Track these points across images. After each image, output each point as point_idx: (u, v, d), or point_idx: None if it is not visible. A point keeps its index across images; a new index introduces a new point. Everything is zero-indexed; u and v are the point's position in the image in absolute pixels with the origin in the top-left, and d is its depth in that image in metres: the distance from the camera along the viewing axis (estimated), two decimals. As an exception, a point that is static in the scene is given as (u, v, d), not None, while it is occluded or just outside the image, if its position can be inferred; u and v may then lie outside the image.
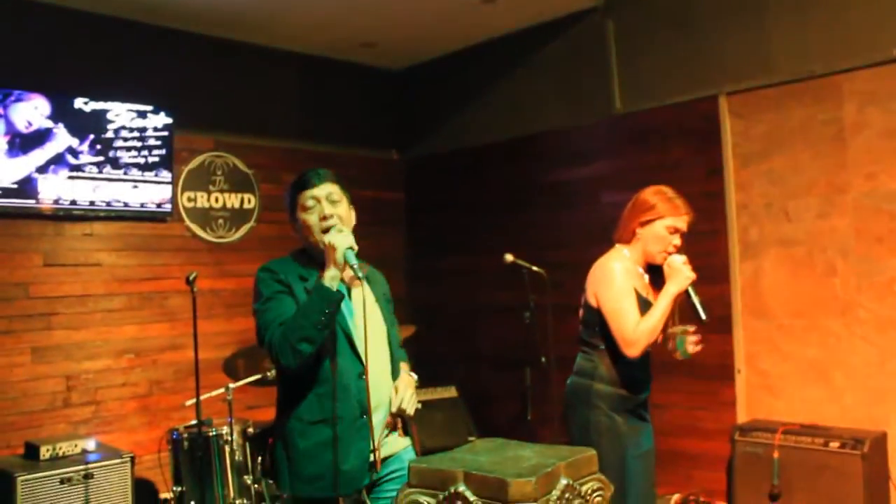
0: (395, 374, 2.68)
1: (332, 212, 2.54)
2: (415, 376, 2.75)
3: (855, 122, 4.41)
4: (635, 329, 2.93)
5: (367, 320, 2.52)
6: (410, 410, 2.60)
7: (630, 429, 3.08)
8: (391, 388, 2.61)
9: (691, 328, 3.08)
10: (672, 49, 5.11)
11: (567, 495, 1.87)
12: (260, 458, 4.65)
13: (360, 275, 2.40)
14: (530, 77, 5.93)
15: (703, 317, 2.96)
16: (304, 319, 2.38)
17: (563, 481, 1.88)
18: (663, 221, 3.08)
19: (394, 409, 2.57)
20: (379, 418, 2.54)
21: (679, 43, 5.07)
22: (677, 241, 3.08)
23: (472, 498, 1.82)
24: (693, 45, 5.00)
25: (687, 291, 2.98)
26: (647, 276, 3.20)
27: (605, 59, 5.44)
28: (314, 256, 2.59)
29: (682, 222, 3.09)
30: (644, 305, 3.04)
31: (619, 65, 5.39)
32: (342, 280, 2.46)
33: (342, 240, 2.43)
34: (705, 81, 4.95)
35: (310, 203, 2.56)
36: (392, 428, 2.62)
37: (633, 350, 2.95)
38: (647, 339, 2.93)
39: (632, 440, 3.07)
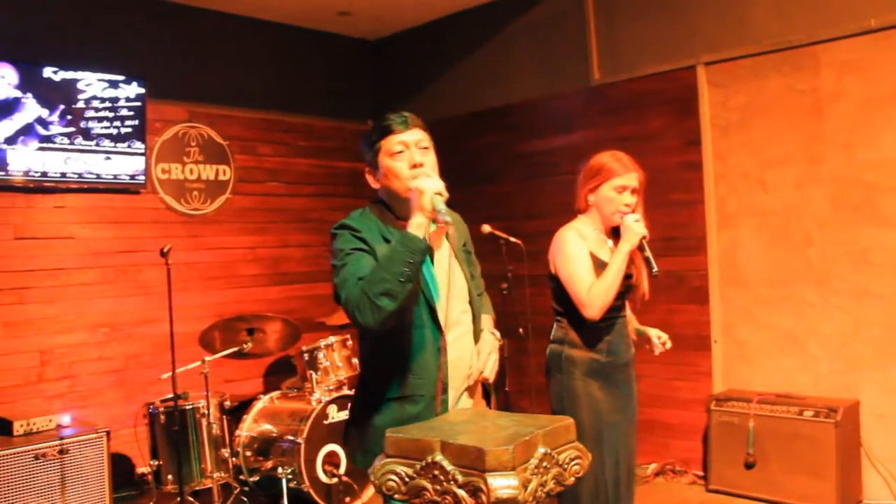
0: (476, 335, 2.49)
1: (422, 160, 2.35)
2: (497, 334, 2.55)
3: (832, 92, 4.41)
4: (589, 291, 2.96)
5: (450, 282, 2.39)
6: (492, 377, 2.44)
7: (607, 393, 3.09)
8: (473, 352, 2.44)
9: (663, 335, 3.20)
10: (651, 18, 5.07)
11: (545, 464, 1.86)
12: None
13: (448, 219, 2.19)
14: (508, 46, 5.88)
15: (655, 269, 2.99)
16: (385, 271, 2.14)
17: (541, 450, 1.86)
18: (610, 182, 3.07)
19: (472, 381, 2.42)
20: (459, 391, 2.40)
21: (658, 12, 5.04)
22: (628, 199, 3.07)
23: (449, 467, 1.81)
24: (672, 14, 4.97)
25: (641, 247, 3.00)
26: (610, 242, 3.20)
27: (583, 28, 5.40)
28: (395, 209, 2.40)
29: (629, 179, 3.08)
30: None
31: (597, 34, 5.35)
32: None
33: (431, 184, 2.22)
34: (684, 51, 4.93)
35: (398, 148, 2.35)
36: (470, 394, 2.46)
37: (589, 311, 2.97)
38: (602, 298, 2.95)
39: (608, 405, 3.08)
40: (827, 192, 4.46)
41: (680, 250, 5.01)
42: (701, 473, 4.84)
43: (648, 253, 3.00)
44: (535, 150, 5.73)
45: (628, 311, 3.31)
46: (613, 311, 3.09)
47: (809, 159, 4.51)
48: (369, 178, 2.46)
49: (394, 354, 2.32)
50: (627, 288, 3.13)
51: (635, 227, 2.99)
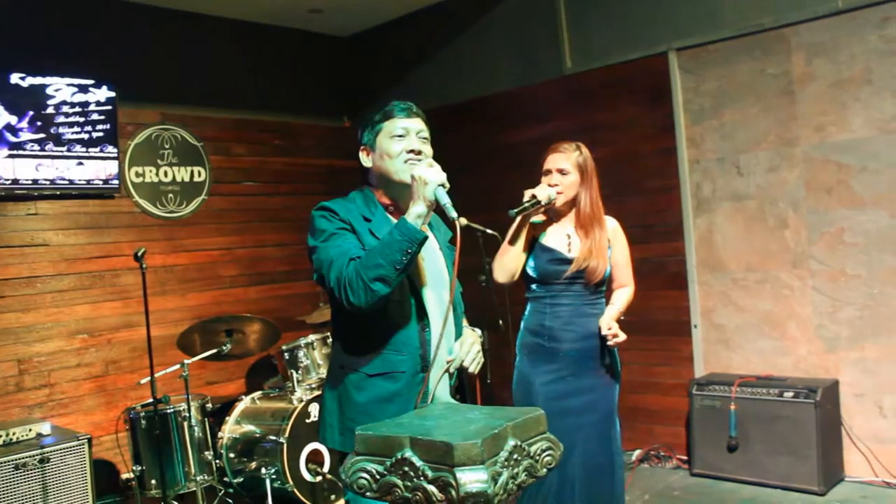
0: (458, 327, 2.52)
1: (420, 148, 2.37)
2: (478, 332, 2.56)
3: (803, 74, 4.42)
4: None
5: (433, 268, 2.42)
6: (474, 368, 2.43)
7: (554, 380, 3.17)
8: (453, 341, 2.45)
9: (613, 326, 3.18)
10: (621, 6, 5.07)
11: (515, 456, 1.85)
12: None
13: (454, 215, 2.18)
14: (480, 38, 5.87)
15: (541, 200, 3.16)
16: (381, 257, 2.16)
17: (511, 442, 1.85)
18: (543, 175, 3.32)
19: (453, 368, 2.41)
20: (438, 374, 2.39)
21: (628, 0, 5.03)
22: (554, 179, 3.26)
23: (418, 463, 1.79)
24: (641, 1, 4.97)
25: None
26: (570, 228, 3.31)
27: (554, 17, 5.39)
28: (383, 190, 2.43)
29: (550, 163, 3.30)
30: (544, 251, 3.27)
31: (568, 23, 5.34)
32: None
33: (434, 175, 2.20)
34: (655, 38, 4.93)
35: (399, 132, 2.37)
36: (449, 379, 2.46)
37: (494, 275, 3.31)
38: (496, 261, 3.28)
39: (552, 393, 3.13)
40: (800, 174, 4.48)
41: (657, 236, 5.02)
42: (685, 458, 4.86)
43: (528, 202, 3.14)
44: (510, 141, 5.72)
45: (607, 303, 3.32)
46: (561, 298, 3.21)
47: (782, 142, 4.52)
48: (362, 155, 2.47)
49: (375, 331, 2.33)
50: (555, 271, 3.19)
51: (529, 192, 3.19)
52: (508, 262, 3.23)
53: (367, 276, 2.16)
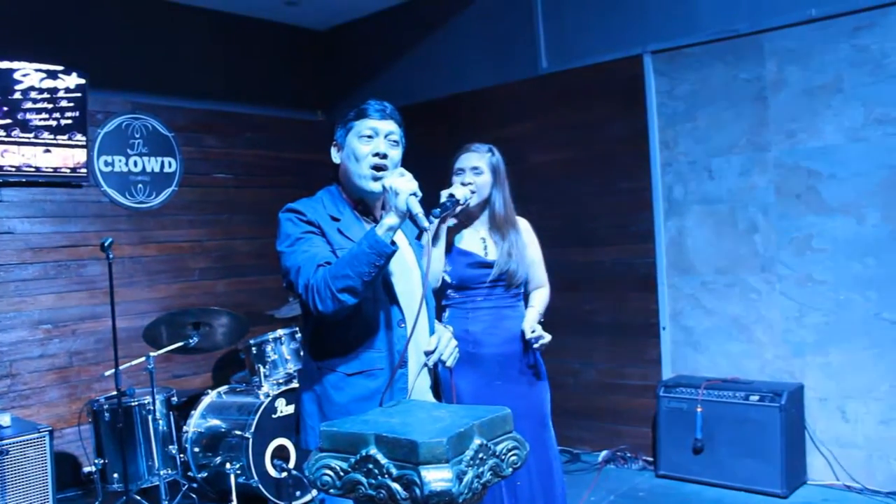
0: (430, 322, 2.52)
1: (387, 152, 2.34)
2: (450, 328, 2.54)
3: (775, 80, 4.46)
4: None
5: (403, 264, 2.41)
6: (451, 363, 2.43)
7: (481, 386, 3.10)
8: (428, 336, 2.44)
9: (536, 330, 3.14)
10: (598, 7, 5.08)
11: (481, 455, 1.84)
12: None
13: (426, 226, 2.16)
14: (457, 36, 5.85)
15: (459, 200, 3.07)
16: (349, 268, 2.13)
17: (477, 441, 1.84)
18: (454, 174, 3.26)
19: (431, 362, 2.40)
20: (416, 369, 2.39)
21: (604, 1, 5.04)
22: (466, 178, 3.21)
23: (383, 461, 1.77)
24: (618, 2, 4.98)
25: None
26: (481, 226, 3.27)
27: (531, 17, 5.39)
28: (348, 189, 2.41)
29: (461, 162, 3.26)
30: (461, 255, 3.20)
31: (545, 23, 5.34)
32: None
33: (406, 184, 2.17)
34: (630, 40, 4.94)
35: (367, 133, 2.35)
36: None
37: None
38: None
39: (476, 398, 3.02)
40: (771, 179, 4.51)
41: (628, 238, 5.04)
42: (651, 459, 4.88)
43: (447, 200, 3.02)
44: (484, 139, 5.67)
45: (526, 307, 3.30)
46: (482, 303, 3.17)
47: (754, 147, 4.56)
48: (333, 151, 2.46)
49: (350, 330, 2.31)
50: (475, 276, 3.15)
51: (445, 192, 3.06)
52: (433, 267, 3.09)
53: (334, 286, 2.14)
